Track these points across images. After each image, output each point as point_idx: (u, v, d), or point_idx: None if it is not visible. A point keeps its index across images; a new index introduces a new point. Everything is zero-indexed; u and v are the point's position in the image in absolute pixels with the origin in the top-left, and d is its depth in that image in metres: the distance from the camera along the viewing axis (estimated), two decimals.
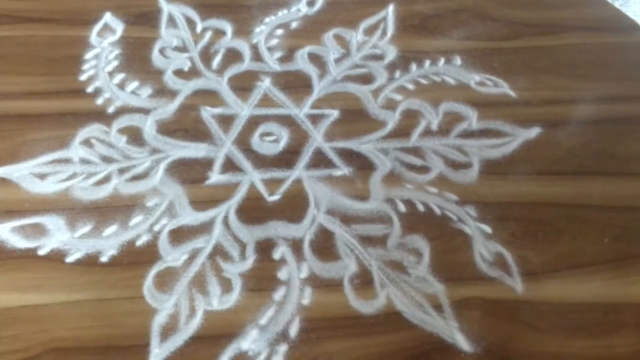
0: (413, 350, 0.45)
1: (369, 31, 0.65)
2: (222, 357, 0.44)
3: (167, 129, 0.56)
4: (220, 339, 0.45)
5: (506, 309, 0.47)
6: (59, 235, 0.49)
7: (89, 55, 0.61)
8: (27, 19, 0.64)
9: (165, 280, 0.47)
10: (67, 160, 0.54)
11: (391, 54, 0.63)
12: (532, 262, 0.49)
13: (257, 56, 0.62)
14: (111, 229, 0.50)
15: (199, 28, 0.65)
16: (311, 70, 0.61)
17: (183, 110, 0.58)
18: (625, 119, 0.58)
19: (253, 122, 0.57)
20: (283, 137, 0.56)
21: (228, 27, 0.64)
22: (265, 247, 0.49)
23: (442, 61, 0.62)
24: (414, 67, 0.62)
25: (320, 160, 0.55)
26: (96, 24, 0.64)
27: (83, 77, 0.60)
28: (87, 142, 0.55)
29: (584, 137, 0.57)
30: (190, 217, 0.51)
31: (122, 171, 0.53)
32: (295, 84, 0.60)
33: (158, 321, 0.45)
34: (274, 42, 0.63)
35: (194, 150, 0.55)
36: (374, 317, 0.46)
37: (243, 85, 0.60)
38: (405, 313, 0.46)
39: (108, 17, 0.65)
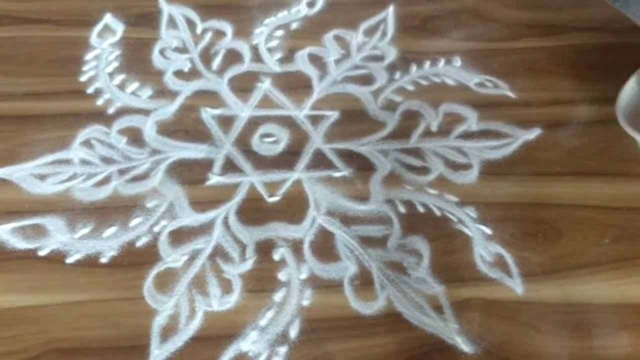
0: (413, 351, 0.45)
1: (369, 32, 0.65)
2: (222, 358, 0.44)
3: (167, 129, 0.56)
4: (221, 340, 0.45)
5: (506, 310, 0.47)
6: (59, 236, 0.49)
7: (89, 56, 0.61)
8: (28, 20, 0.64)
9: (165, 281, 0.47)
10: (67, 161, 0.54)
11: (391, 55, 0.63)
12: (532, 263, 0.49)
13: (257, 57, 0.62)
14: (111, 230, 0.50)
15: (199, 29, 0.65)
16: (311, 71, 0.61)
17: (183, 111, 0.58)
18: None
19: (253, 123, 0.57)
20: (283, 138, 0.56)
21: (228, 28, 0.64)
22: (265, 248, 0.49)
23: (442, 62, 0.62)
24: (414, 68, 0.62)
25: (320, 161, 0.55)
26: (96, 24, 0.64)
27: (83, 78, 0.60)
28: (87, 143, 0.55)
29: (584, 138, 0.57)
30: (190, 218, 0.51)
31: (122, 172, 0.53)
32: (295, 85, 0.60)
33: (158, 322, 0.45)
34: (274, 43, 0.63)
35: (194, 151, 0.55)
36: (374, 318, 0.46)
37: (243, 86, 0.60)
38: (405, 314, 0.46)
39: (108, 18, 0.65)
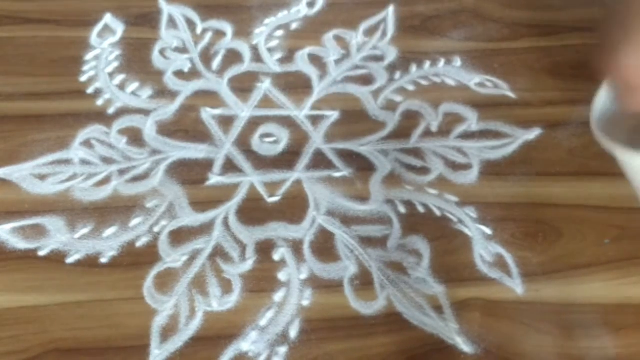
0: (413, 351, 0.45)
1: (369, 32, 0.64)
2: (222, 358, 0.44)
3: (167, 130, 0.56)
4: (220, 340, 0.45)
5: (506, 310, 0.47)
6: (59, 236, 0.49)
7: (89, 56, 0.61)
8: (27, 20, 0.64)
9: (165, 281, 0.47)
10: (67, 161, 0.54)
11: (391, 55, 0.63)
12: (532, 263, 0.49)
13: (257, 57, 0.62)
14: (111, 230, 0.50)
15: (199, 29, 0.65)
16: (311, 72, 0.61)
17: (183, 111, 0.58)
18: None
19: (253, 123, 0.57)
20: (283, 139, 0.56)
21: (228, 28, 0.64)
22: (265, 248, 0.49)
23: (442, 62, 0.62)
24: (414, 68, 0.62)
25: (320, 162, 0.55)
26: (96, 25, 0.64)
27: (83, 78, 0.60)
28: (87, 143, 0.55)
29: (585, 138, 0.57)
30: (190, 218, 0.51)
31: (122, 172, 0.53)
32: (295, 85, 0.60)
33: (158, 322, 0.45)
34: (274, 43, 0.63)
35: (194, 151, 0.55)
36: (374, 318, 0.46)
37: (243, 86, 0.60)
38: (406, 314, 0.46)
39: (108, 18, 0.65)
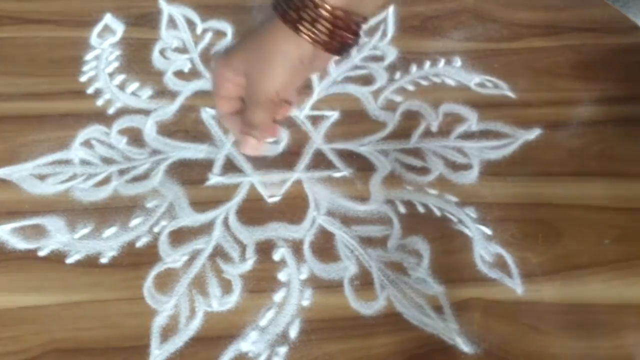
0: (413, 351, 0.45)
1: (369, 32, 0.64)
2: (222, 358, 0.44)
3: (168, 130, 0.56)
4: (221, 340, 0.45)
5: (506, 310, 0.47)
6: (59, 237, 0.49)
7: (89, 56, 0.61)
8: (28, 20, 0.64)
9: (165, 281, 0.47)
10: (67, 162, 0.54)
11: (391, 55, 0.63)
12: (532, 263, 0.49)
13: None
14: (111, 230, 0.50)
15: (199, 29, 0.65)
16: None
17: (183, 112, 0.58)
18: (625, 120, 0.58)
19: None
20: (283, 139, 0.56)
21: (228, 28, 0.64)
22: (265, 249, 0.49)
23: (442, 62, 0.62)
24: (414, 68, 0.62)
25: (320, 162, 0.55)
26: (96, 25, 0.64)
27: (83, 78, 0.60)
28: (87, 143, 0.55)
29: (584, 138, 0.57)
30: (190, 218, 0.51)
31: (122, 172, 0.53)
32: None
33: (158, 322, 0.45)
34: None
35: (194, 151, 0.55)
36: (374, 318, 0.46)
37: None
38: (405, 314, 0.46)
39: (108, 18, 0.65)
